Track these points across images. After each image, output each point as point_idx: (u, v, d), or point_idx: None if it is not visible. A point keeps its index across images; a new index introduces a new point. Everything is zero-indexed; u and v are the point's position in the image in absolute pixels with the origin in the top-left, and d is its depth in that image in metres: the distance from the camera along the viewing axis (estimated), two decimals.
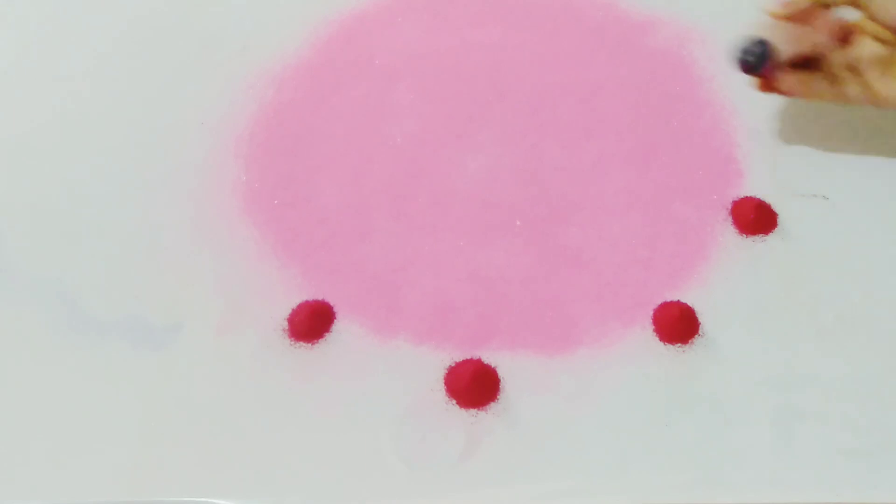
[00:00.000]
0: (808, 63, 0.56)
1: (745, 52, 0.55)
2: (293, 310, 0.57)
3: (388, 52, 0.70)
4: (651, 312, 0.55)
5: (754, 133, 0.62)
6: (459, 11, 0.72)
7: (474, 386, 0.53)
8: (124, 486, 0.51)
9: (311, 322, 0.56)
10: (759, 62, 0.55)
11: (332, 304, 0.57)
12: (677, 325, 0.54)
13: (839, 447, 0.49)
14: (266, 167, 0.64)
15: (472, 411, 0.52)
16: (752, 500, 0.49)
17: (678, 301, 0.56)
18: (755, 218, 0.58)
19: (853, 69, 0.55)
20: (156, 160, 0.64)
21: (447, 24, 0.72)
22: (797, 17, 0.55)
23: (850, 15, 0.56)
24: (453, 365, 0.54)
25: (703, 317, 0.55)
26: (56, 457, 0.52)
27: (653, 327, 0.55)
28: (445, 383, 0.53)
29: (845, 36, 0.56)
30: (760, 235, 0.58)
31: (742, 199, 0.60)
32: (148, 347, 0.56)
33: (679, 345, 0.54)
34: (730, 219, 0.59)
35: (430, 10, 0.72)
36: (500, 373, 0.54)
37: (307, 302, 0.57)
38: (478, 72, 0.68)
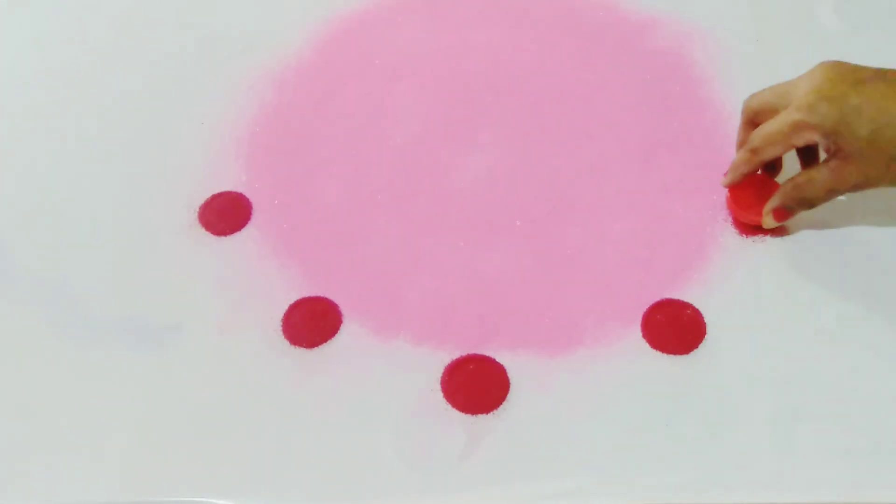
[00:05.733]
0: None
1: None
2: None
3: (388, 52, 0.70)
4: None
5: None
6: (459, 11, 0.72)
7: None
8: (124, 486, 0.51)
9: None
10: None
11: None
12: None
13: (839, 447, 0.49)
14: (266, 167, 0.64)
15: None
16: (752, 500, 0.49)
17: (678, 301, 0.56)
18: None
19: None
20: (156, 160, 0.64)
21: (447, 24, 0.72)
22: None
23: None
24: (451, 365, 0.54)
25: (703, 317, 0.55)
26: (56, 457, 0.52)
27: None
28: (442, 385, 0.53)
29: None
30: (760, 235, 0.58)
31: None
32: (148, 347, 0.56)
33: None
34: (730, 219, 0.59)
35: (430, 10, 0.72)
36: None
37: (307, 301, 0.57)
38: (478, 72, 0.68)
